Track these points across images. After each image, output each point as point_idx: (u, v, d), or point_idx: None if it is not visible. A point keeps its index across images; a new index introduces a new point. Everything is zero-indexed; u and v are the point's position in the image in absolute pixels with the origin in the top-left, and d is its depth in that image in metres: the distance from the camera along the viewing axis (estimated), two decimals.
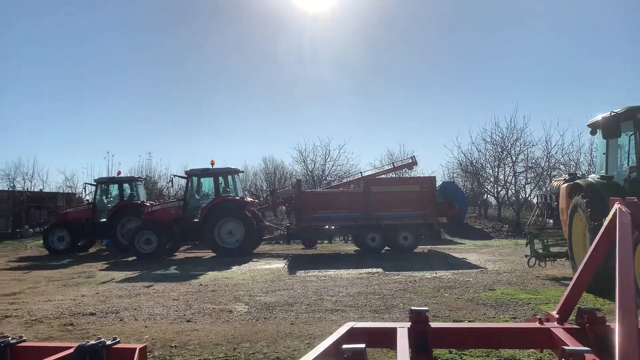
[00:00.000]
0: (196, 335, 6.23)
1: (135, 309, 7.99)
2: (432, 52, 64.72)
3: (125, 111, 60.70)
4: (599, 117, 8.88)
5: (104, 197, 20.91)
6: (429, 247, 18.38)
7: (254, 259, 15.70)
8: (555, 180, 13.15)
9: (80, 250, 20.07)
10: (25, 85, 57.45)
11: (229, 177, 18.39)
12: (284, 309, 7.77)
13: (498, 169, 30.04)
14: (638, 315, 1.71)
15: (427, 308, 2.20)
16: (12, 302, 8.91)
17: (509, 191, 30.87)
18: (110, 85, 61.44)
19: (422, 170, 32.95)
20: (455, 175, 35.59)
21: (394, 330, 2.06)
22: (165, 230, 17.05)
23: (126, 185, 20.86)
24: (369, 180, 19.57)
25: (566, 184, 10.04)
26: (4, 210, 28.33)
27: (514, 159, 29.18)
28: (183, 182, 20.41)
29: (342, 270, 12.34)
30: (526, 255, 11.91)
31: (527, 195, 30.41)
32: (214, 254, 17.05)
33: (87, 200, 21.66)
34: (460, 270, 11.98)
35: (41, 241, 20.43)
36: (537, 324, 2.23)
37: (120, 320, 7.29)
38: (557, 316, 2.23)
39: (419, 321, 2.13)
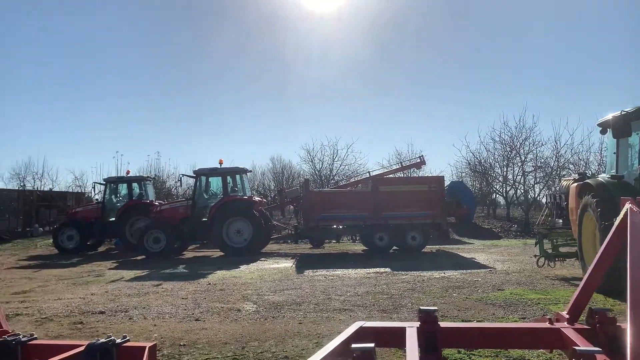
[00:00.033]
0: (205, 334, 6.25)
1: (144, 308, 8.03)
2: (441, 51, 64.53)
3: (134, 111, 61.25)
4: (609, 116, 8.82)
5: (113, 197, 21.03)
6: (437, 246, 18.33)
7: (262, 258, 15.73)
8: (565, 180, 13.04)
9: (89, 249, 20.21)
10: (36, 85, 58.01)
11: (237, 176, 18.44)
12: (292, 308, 7.77)
13: (507, 168, 29.93)
14: None
15: (436, 308, 2.19)
16: (23, 301, 8.99)
17: (518, 191, 30.76)
18: (120, 85, 62.05)
19: (430, 169, 32.87)
20: (463, 174, 35.50)
21: (403, 330, 2.06)
22: (174, 230, 17.14)
23: (135, 185, 20.98)
24: (377, 180, 19.48)
25: (576, 184, 9.97)
26: (15, 209, 28.57)
27: (523, 158, 29.06)
28: (191, 181, 20.47)
29: (350, 270, 12.32)
30: (535, 255, 11.84)
31: (536, 195, 30.23)
32: (222, 253, 17.10)
33: (97, 199, 21.83)
34: (469, 270, 11.93)
35: (51, 240, 20.57)
36: (547, 324, 2.22)
37: (130, 318, 7.32)
38: (567, 316, 2.22)
39: (428, 321, 2.12)
